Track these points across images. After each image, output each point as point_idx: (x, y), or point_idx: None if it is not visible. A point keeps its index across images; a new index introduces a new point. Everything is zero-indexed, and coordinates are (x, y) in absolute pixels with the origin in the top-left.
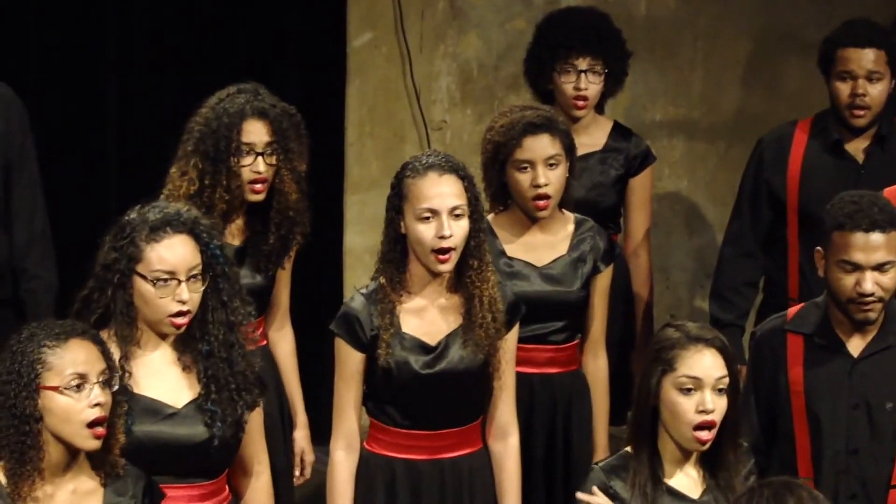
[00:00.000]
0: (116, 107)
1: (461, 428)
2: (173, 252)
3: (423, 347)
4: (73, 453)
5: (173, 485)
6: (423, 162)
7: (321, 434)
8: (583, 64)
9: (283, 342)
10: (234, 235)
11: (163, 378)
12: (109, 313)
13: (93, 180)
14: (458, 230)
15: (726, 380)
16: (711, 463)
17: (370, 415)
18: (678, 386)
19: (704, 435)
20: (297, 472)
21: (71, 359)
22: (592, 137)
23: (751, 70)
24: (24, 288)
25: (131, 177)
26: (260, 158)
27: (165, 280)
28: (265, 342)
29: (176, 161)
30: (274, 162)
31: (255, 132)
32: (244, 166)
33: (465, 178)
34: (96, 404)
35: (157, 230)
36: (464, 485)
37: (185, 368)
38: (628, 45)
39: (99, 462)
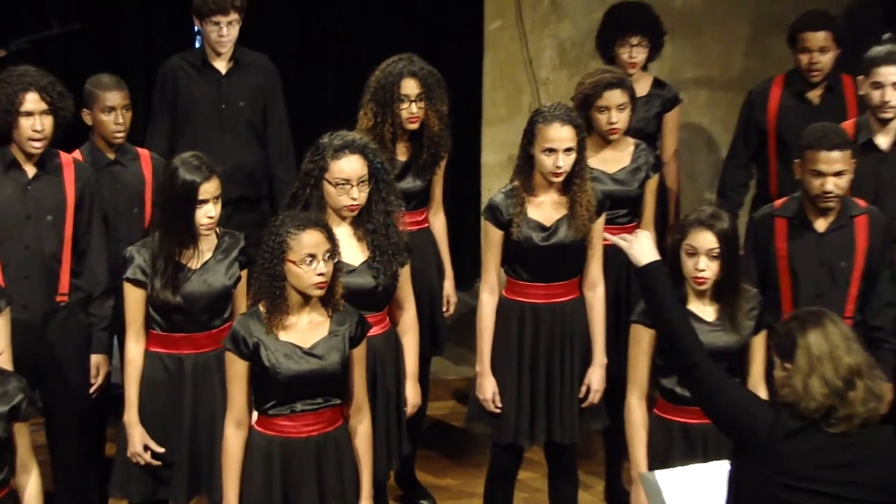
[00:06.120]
0: (334, 74)
1: (567, 281)
2: (349, 165)
3: (542, 227)
4: (307, 298)
5: None
6: (551, 112)
7: (461, 283)
8: (634, 40)
9: (437, 222)
10: (402, 153)
11: (345, 246)
12: (308, 205)
13: (316, 119)
14: (568, 161)
15: (717, 250)
16: (721, 300)
17: (507, 273)
18: (685, 251)
19: (698, 286)
20: (444, 309)
21: (306, 242)
22: (640, 87)
23: (751, 45)
24: (276, 189)
25: (345, 116)
26: (413, 104)
27: (343, 184)
28: (427, 225)
29: (362, 106)
30: (423, 106)
31: (410, 87)
32: (403, 109)
33: (578, 127)
34: (320, 274)
35: (339, 150)
36: (567, 319)
37: (359, 240)
38: (665, 27)
39: (326, 302)
